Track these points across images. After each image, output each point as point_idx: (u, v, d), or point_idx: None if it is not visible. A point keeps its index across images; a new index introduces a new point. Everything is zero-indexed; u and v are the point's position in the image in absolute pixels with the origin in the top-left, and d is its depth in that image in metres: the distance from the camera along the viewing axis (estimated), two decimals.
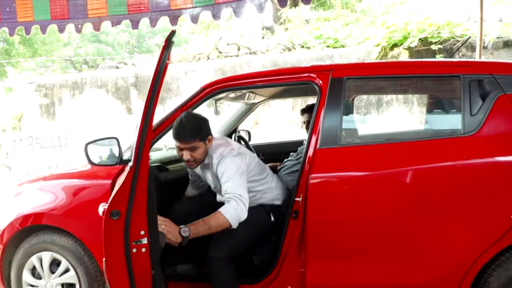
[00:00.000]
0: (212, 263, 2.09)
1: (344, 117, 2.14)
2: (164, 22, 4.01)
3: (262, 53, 6.47)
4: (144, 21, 3.99)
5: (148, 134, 1.66)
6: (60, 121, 6.40)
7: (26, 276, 2.43)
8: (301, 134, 4.02)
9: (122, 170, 2.27)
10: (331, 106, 2.11)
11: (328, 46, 6.21)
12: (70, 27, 4.05)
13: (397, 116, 4.92)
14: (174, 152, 2.47)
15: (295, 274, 2.09)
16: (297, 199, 2.06)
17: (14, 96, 8.68)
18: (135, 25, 4.00)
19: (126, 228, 1.68)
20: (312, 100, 4.11)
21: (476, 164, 1.94)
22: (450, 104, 2.42)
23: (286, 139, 3.75)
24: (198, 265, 2.40)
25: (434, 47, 4.78)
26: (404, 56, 4.95)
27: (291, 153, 2.99)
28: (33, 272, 2.44)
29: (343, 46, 6.09)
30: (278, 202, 2.42)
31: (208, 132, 2.21)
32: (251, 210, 2.16)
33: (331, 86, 2.13)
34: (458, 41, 4.81)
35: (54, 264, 2.38)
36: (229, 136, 3.45)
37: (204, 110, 2.44)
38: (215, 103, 3.17)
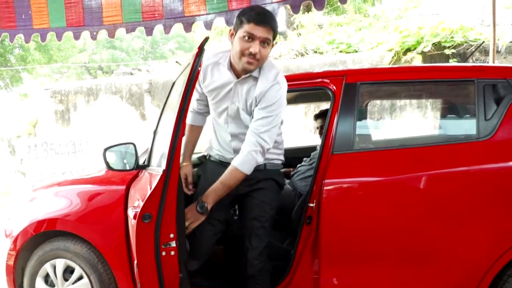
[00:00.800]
0: (251, 281, 2.07)
1: (358, 123, 2.13)
2: (177, 28, 4.04)
3: (275, 59, 6.48)
4: (158, 28, 4.03)
5: (180, 139, 1.68)
6: (74, 127, 6.47)
7: (39, 284, 2.43)
8: (314, 139, 4.01)
9: (136, 176, 2.29)
10: (345, 112, 2.10)
11: (341, 51, 6.20)
12: (85, 34, 4.12)
13: (411, 121, 4.88)
14: None
15: (308, 280, 2.08)
16: (311, 204, 2.05)
17: (29, 102, 8.81)
18: (149, 31, 4.05)
19: (157, 231, 1.70)
20: (325, 105, 4.10)
21: (491, 169, 1.92)
22: (464, 109, 2.40)
23: (299, 145, 3.75)
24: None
25: (447, 51, 4.74)
26: (418, 61, 4.92)
27: (304, 159, 2.98)
28: (46, 279, 2.44)
29: (356, 51, 6.07)
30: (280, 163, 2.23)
31: (276, 37, 1.99)
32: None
33: (344, 92, 2.13)
34: (472, 45, 4.77)
35: (68, 271, 2.39)
36: None
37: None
38: None
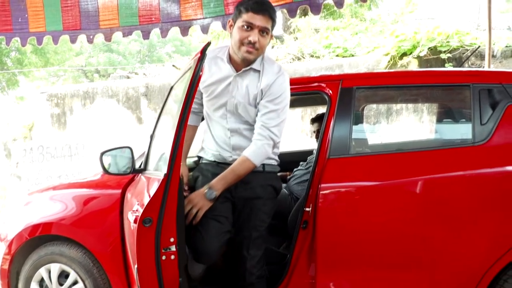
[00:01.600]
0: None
1: (354, 127, 2.13)
2: (174, 32, 4.05)
3: None
4: (155, 32, 4.03)
5: (181, 144, 1.67)
6: (71, 130, 6.46)
7: None
8: (311, 143, 4.01)
9: (132, 180, 2.29)
10: (341, 116, 2.11)
11: (337, 55, 6.22)
12: (81, 37, 4.11)
13: (407, 125, 4.89)
14: None
15: (305, 285, 2.08)
16: (307, 209, 2.05)
17: (26, 105, 8.80)
18: (146, 35, 4.05)
19: (157, 235, 1.70)
20: (321, 109, 4.10)
21: (487, 173, 1.93)
22: (460, 113, 2.40)
23: (296, 149, 3.75)
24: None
25: (443, 56, 4.76)
26: (414, 65, 4.94)
27: (301, 163, 2.99)
28: (41, 284, 2.43)
29: (353, 55, 6.09)
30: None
31: (274, 28, 1.99)
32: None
33: (340, 96, 2.13)
34: (467, 50, 4.79)
35: (63, 276, 2.38)
36: None
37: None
38: None
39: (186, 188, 2.16)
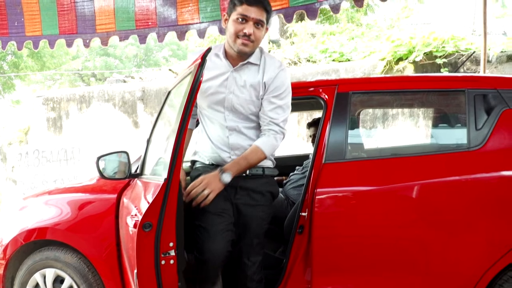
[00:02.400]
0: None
1: (350, 132, 2.14)
2: (171, 36, 4.05)
3: None
4: (152, 36, 4.03)
5: (181, 149, 1.67)
6: (66, 134, 6.44)
7: None
8: (307, 147, 4.01)
9: (127, 184, 2.28)
10: (337, 121, 2.11)
11: (334, 60, 6.24)
12: (78, 41, 4.11)
13: (403, 129, 4.91)
14: None
15: None
16: (303, 214, 2.05)
17: (21, 109, 8.76)
18: (142, 39, 4.05)
19: (157, 240, 1.70)
20: (317, 114, 4.11)
21: (483, 178, 1.93)
22: (455, 118, 2.41)
23: (292, 153, 3.75)
24: None
25: (439, 61, 4.78)
26: (409, 70, 4.96)
27: (297, 167, 2.99)
28: None
29: (349, 60, 6.12)
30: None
31: (269, 20, 1.98)
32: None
33: (336, 101, 2.14)
34: (463, 55, 4.82)
35: (58, 281, 2.36)
36: None
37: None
38: None
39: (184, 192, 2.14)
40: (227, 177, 1.87)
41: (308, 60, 6.47)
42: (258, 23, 1.88)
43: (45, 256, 2.35)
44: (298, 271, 2.07)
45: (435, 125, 2.88)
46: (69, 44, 4.13)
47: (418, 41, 5.03)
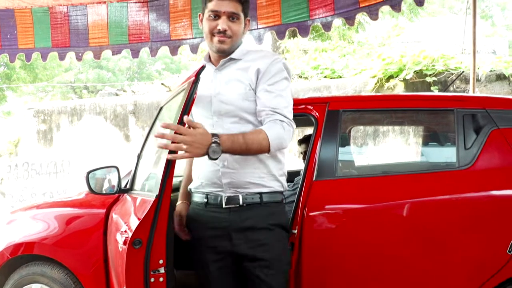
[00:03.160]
0: None
1: (340, 149, 2.14)
2: (164, 51, 4.08)
3: None
4: (145, 50, 4.05)
5: (173, 165, 1.66)
6: (57, 147, 6.40)
7: None
8: (298, 164, 4.02)
9: (117, 199, 2.26)
10: (328, 138, 2.12)
11: (325, 77, 6.30)
12: (71, 54, 4.12)
13: (394, 147, 4.94)
14: None
15: None
16: (293, 231, 2.04)
17: (12, 121, 8.71)
18: (135, 54, 4.07)
19: (147, 257, 1.68)
20: (309, 130, 4.13)
21: (472, 198, 1.94)
22: (445, 137, 2.44)
23: None
24: None
25: (429, 79, 4.85)
26: (400, 88, 5.01)
27: (288, 184, 2.98)
28: None
29: (340, 77, 6.17)
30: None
31: (248, 13, 1.76)
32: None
33: (327, 119, 2.15)
34: (452, 73, 4.89)
35: None
36: None
37: None
38: None
39: (186, 229, 1.86)
40: (215, 153, 1.47)
41: (300, 76, 6.52)
42: (232, 17, 1.69)
43: (32, 271, 2.32)
44: None
45: (425, 143, 2.90)
46: (62, 57, 4.14)
47: (409, 59, 5.10)
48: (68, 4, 3.90)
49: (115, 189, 2.22)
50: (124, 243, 1.71)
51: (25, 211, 2.55)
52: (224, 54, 1.74)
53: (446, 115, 2.17)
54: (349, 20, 3.56)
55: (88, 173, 2.24)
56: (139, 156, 2.29)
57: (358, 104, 2.27)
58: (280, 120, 1.61)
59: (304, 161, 2.61)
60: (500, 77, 4.74)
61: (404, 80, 4.98)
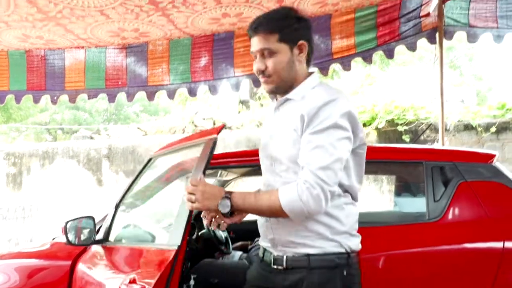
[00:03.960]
0: None
1: None
2: (141, 95, 4.09)
3: (237, 128, 6.60)
4: (122, 95, 4.05)
5: (190, 217, 1.62)
6: (26, 191, 6.21)
7: None
8: None
9: (83, 251, 2.18)
10: None
11: None
12: (46, 97, 4.08)
13: (367, 197, 4.97)
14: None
15: None
16: None
17: None
18: (112, 98, 4.07)
19: None
20: None
21: (442, 250, 1.96)
22: (416, 188, 2.48)
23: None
24: None
25: (400, 128, 4.98)
26: (373, 136, 5.12)
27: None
28: None
29: None
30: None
31: (300, 35, 1.45)
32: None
33: None
34: (422, 123, 5.04)
35: None
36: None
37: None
38: None
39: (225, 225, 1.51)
40: (225, 208, 1.36)
41: None
42: (265, 53, 1.44)
43: None
44: None
45: (397, 193, 2.94)
46: (36, 100, 4.10)
47: (381, 108, 5.25)
48: (46, 48, 3.90)
49: (90, 240, 2.14)
50: None
51: None
52: (280, 93, 1.51)
53: (416, 167, 2.22)
54: (323, 70, 3.68)
55: (67, 223, 2.16)
56: (117, 206, 2.22)
57: None
58: (305, 180, 1.29)
59: None
60: (468, 127, 4.91)
61: (377, 128, 5.10)
